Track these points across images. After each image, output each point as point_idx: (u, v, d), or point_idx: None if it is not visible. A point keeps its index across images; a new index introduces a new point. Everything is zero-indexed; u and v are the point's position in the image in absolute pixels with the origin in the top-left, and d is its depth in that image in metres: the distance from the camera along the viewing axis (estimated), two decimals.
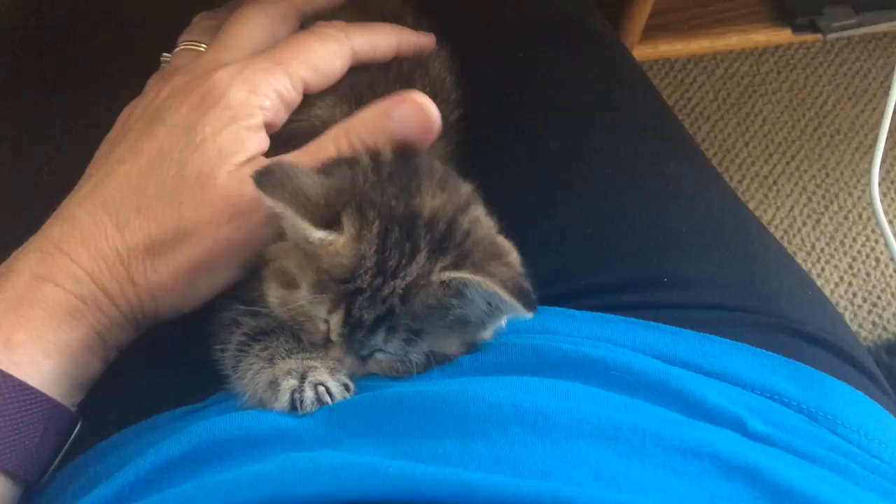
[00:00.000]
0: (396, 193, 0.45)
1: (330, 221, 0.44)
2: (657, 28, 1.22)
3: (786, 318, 0.54)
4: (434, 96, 0.50)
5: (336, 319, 0.44)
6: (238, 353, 0.48)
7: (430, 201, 0.46)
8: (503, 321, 0.48)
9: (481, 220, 0.48)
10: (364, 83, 0.55)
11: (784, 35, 1.23)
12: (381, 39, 0.55)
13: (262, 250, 0.48)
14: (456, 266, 0.44)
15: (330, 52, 0.52)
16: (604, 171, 0.60)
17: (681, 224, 0.58)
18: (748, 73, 1.54)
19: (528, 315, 0.44)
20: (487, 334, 0.49)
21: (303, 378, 0.44)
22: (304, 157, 0.48)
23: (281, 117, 0.50)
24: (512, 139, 0.63)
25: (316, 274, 0.44)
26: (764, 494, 0.37)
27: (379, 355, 0.46)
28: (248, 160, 0.47)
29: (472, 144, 0.58)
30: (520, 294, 0.43)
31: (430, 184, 0.47)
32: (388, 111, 0.48)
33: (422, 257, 0.44)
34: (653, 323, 0.51)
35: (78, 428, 0.47)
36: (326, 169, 0.47)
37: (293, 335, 0.48)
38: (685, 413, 0.43)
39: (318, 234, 0.44)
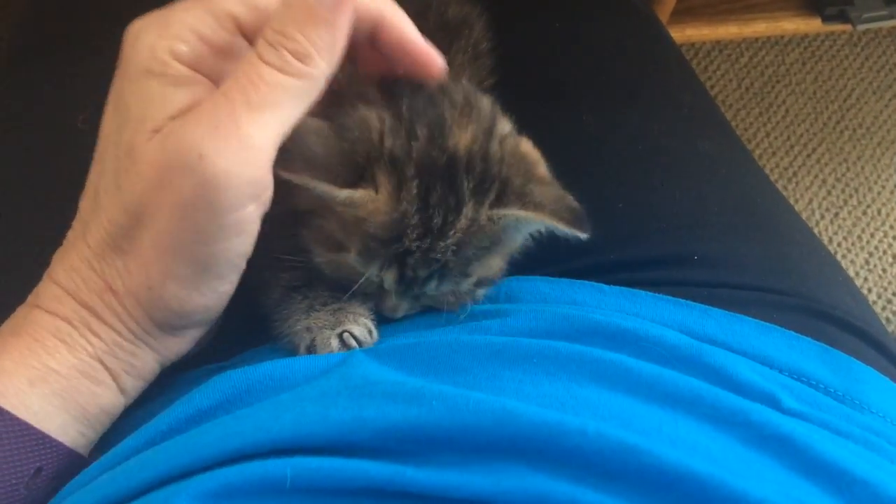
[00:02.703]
0: (428, 137, 0.43)
1: (354, 178, 0.42)
2: (685, 12, 1.21)
3: (815, 301, 0.54)
4: (474, 59, 0.48)
5: (390, 277, 0.44)
6: (281, 300, 0.49)
7: (463, 136, 0.44)
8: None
9: (507, 137, 0.46)
10: None
11: (813, 24, 1.23)
12: None
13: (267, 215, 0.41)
14: (500, 199, 0.44)
15: None
16: (636, 147, 0.60)
17: (712, 203, 0.58)
18: (772, 62, 1.52)
19: (584, 236, 0.44)
20: (519, 242, 0.49)
21: (333, 328, 0.46)
22: (232, 83, 0.39)
23: (209, 63, 0.41)
24: (544, 110, 0.62)
25: (360, 238, 0.43)
26: (797, 464, 0.37)
27: (431, 292, 0.47)
28: (172, 117, 0.39)
29: (507, 116, 0.57)
30: (574, 220, 0.44)
31: (455, 114, 0.44)
32: None
33: (469, 208, 0.44)
34: (682, 300, 0.51)
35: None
36: (335, 124, 0.43)
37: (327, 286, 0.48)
38: (718, 388, 0.43)
39: (343, 194, 0.42)
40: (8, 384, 0.40)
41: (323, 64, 0.39)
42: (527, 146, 0.47)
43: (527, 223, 0.44)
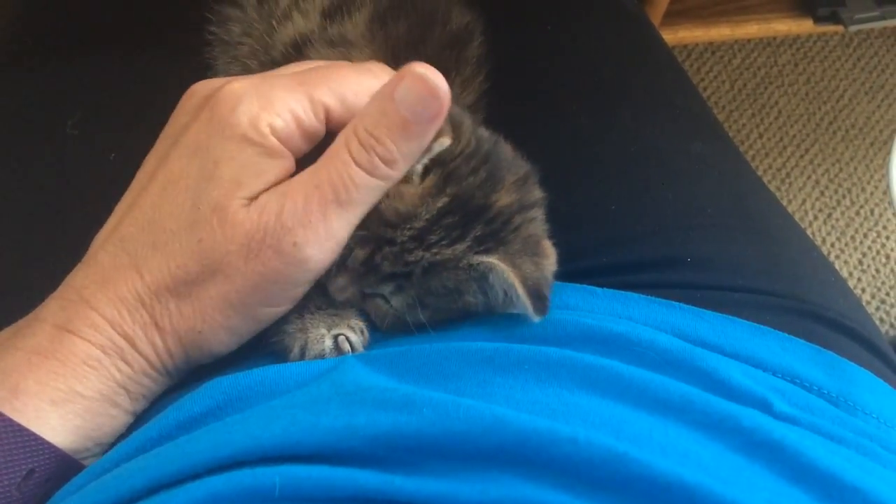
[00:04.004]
0: (484, 179, 0.46)
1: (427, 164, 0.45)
2: (678, 14, 1.21)
3: (808, 303, 0.54)
4: (477, 68, 0.49)
5: (359, 254, 0.45)
6: None
7: (505, 198, 0.47)
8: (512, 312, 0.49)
9: (535, 221, 0.49)
10: (403, 40, 0.55)
11: (805, 25, 1.23)
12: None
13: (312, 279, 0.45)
14: (488, 251, 0.45)
15: (363, 87, 0.45)
16: (629, 149, 0.60)
17: (705, 204, 0.58)
18: (765, 63, 1.53)
19: (535, 318, 0.45)
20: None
21: (328, 329, 0.46)
22: (324, 176, 0.43)
23: (296, 144, 0.44)
24: (536, 113, 0.62)
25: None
26: (788, 471, 0.37)
27: (380, 301, 0.47)
28: (266, 189, 0.43)
29: (499, 118, 0.57)
30: (535, 295, 0.44)
31: (510, 180, 0.48)
32: (389, 96, 0.42)
33: (462, 246, 0.45)
34: (674, 302, 0.51)
35: None
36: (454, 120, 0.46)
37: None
38: (710, 392, 0.43)
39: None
40: (28, 403, 0.41)
41: (404, 168, 0.43)
42: (547, 243, 0.49)
43: (497, 277, 0.45)
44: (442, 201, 0.45)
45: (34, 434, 0.41)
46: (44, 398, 0.41)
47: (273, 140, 0.43)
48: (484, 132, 0.49)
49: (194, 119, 0.44)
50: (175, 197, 0.43)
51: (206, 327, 0.43)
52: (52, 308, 0.43)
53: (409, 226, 0.44)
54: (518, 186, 0.48)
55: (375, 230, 0.44)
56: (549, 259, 0.48)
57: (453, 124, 0.46)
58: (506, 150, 0.50)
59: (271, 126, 0.42)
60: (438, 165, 0.45)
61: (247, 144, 0.42)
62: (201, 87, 0.46)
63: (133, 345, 0.43)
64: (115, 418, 0.44)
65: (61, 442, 0.42)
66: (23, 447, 0.40)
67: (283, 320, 0.47)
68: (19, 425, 0.40)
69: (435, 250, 0.45)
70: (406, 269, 0.45)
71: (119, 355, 0.43)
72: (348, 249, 0.46)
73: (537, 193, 0.50)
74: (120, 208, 0.46)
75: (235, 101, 0.43)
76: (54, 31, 0.69)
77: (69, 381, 0.42)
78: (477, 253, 0.45)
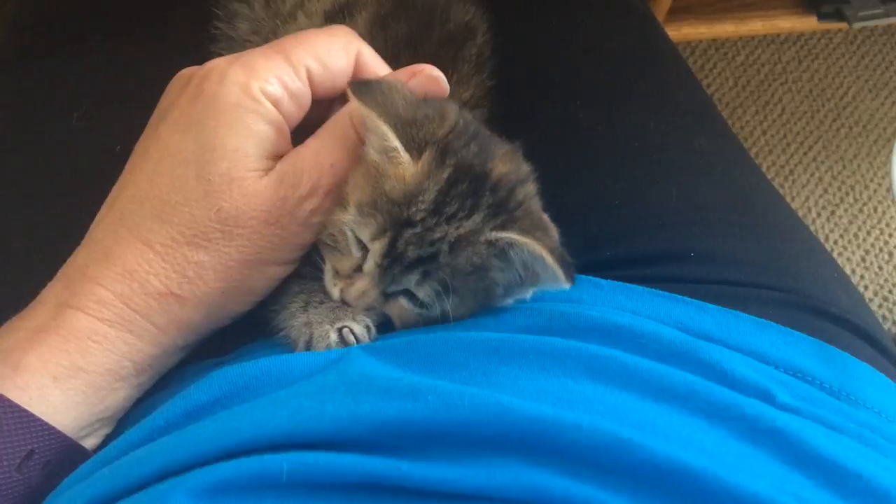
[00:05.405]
0: (477, 151, 0.47)
1: (411, 144, 0.46)
2: (682, 10, 1.21)
3: (811, 298, 0.54)
4: (478, 66, 0.50)
5: (378, 247, 0.45)
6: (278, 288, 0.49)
7: (501, 167, 0.48)
8: (529, 292, 0.49)
9: (534, 197, 0.50)
10: (402, 41, 0.55)
11: (809, 22, 1.23)
12: (385, 67, 0.50)
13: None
14: (504, 227, 0.46)
15: (335, 47, 0.47)
16: (633, 144, 0.60)
17: (709, 199, 0.58)
18: (769, 60, 1.53)
19: (567, 285, 0.45)
20: (507, 302, 0.49)
21: (332, 324, 0.46)
22: (327, 141, 0.46)
23: (288, 108, 0.46)
24: (541, 108, 0.62)
25: (373, 193, 0.45)
26: (791, 458, 0.38)
27: (402, 299, 0.47)
28: (269, 154, 0.45)
29: (505, 112, 0.57)
30: (563, 262, 0.45)
31: (500, 153, 0.49)
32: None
33: (479, 216, 0.46)
34: (678, 296, 0.51)
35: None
36: (423, 100, 0.48)
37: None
38: (713, 383, 0.43)
39: (395, 143, 0.45)
40: (30, 380, 0.41)
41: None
42: (547, 217, 0.50)
43: (519, 251, 0.46)
44: (447, 171, 0.45)
45: (32, 415, 0.41)
46: (45, 375, 0.41)
47: (268, 104, 0.44)
48: (468, 115, 0.50)
49: (180, 96, 0.46)
50: (173, 170, 0.44)
51: (230, 287, 0.45)
52: (53, 289, 0.44)
53: (420, 199, 0.45)
54: (509, 158, 0.49)
55: (388, 212, 0.45)
56: (554, 231, 0.49)
57: (438, 110, 0.47)
58: (490, 133, 0.50)
59: (262, 90, 0.44)
60: (430, 144, 0.46)
61: (243, 111, 0.44)
62: (185, 71, 0.48)
63: (144, 316, 0.44)
64: (119, 391, 0.44)
65: (63, 419, 0.42)
66: (21, 428, 0.41)
67: (290, 315, 0.47)
68: (17, 406, 0.40)
69: (457, 223, 0.45)
70: (433, 250, 0.45)
71: (127, 328, 0.43)
72: (363, 253, 0.46)
73: (526, 167, 0.51)
74: (115, 189, 0.47)
75: (221, 73, 0.45)
76: (60, 24, 0.69)
77: (72, 357, 0.42)
78: (494, 228, 0.46)
